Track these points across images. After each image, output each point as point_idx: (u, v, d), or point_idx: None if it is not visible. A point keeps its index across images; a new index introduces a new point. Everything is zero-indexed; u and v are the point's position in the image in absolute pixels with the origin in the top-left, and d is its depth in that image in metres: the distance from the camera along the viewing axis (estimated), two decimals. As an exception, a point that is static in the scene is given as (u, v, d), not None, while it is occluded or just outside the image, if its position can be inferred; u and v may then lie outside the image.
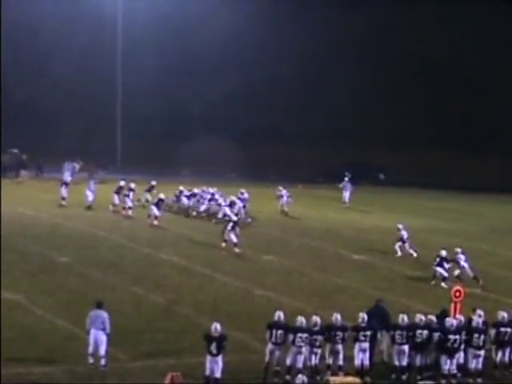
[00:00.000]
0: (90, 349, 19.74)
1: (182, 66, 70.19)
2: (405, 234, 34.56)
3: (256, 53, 69.80)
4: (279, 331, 19.66)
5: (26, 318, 23.29)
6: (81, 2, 64.78)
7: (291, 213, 43.04)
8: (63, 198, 42.35)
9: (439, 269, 29.82)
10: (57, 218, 39.32)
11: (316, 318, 20.05)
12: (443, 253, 30.11)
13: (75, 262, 30.25)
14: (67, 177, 45.30)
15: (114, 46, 63.25)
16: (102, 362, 19.59)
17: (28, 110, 67.20)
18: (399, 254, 34.12)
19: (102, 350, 19.67)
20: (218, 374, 18.82)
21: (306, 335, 19.72)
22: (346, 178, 48.13)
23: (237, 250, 33.18)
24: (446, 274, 29.64)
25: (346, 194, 47.98)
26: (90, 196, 42.36)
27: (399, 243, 34.43)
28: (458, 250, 30.50)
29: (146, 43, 68.10)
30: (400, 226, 34.91)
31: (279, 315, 19.95)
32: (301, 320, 19.89)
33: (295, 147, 66.23)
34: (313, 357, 19.91)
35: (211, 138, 62.53)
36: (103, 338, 19.71)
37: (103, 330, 19.74)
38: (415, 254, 33.95)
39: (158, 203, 39.02)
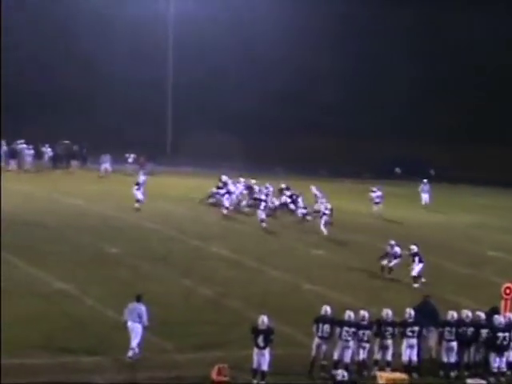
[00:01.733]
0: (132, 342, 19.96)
1: (231, 58, 70.27)
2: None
3: (304, 46, 69.59)
4: (326, 325, 19.66)
5: (76, 308, 23.57)
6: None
7: (342, 208, 42.57)
8: (138, 201, 39.65)
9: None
10: (108, 209, 39.62)
11: (364, 312, 19.99)
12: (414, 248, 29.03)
13: (125, 253, 30.50)
14: (140, 176, 42.50)
15: (165, 34, 63.66)
16: (130, 353, 19.68)
17: (76, 99, 67.70)
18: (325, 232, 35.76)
19: (135, 342, 19.81)
20: (265, 367, 18.86)
21: (353, 329, 19.67)
22: (425, 180, 46.61)
23: (264, 225, 36.47)
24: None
25: (425, 197, 46.28)
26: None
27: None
28: (393, 242, 29.62)
29: (197, 31, 68.29)
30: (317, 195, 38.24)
31: (326, 309, 19.94)
32: (348, 314, 19.85)
33: (343, 141, 65.84)
34: (360, 351, 19.86)
35: (259, 130, 62.60)
36: (139, 330, 19.86)
37: (139, 322, 19.91)
38: (325, 232, 35.52)
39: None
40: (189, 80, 65.91)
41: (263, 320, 18.97)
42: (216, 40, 68.14)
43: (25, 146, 52.46)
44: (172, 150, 63.77)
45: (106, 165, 51.69)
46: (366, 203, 43.79)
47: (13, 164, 51.29)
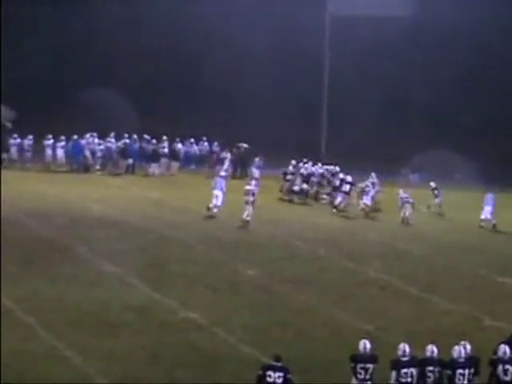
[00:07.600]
0: None
1: (399, 50, 70.20)
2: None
3: (488, 35, 68.69)
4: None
5: (205, 341, 23.97)
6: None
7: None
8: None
9: None
10: (253, 222, 39.45)
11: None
12: None
13: (264, 275, 30.83)
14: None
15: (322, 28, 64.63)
16: None
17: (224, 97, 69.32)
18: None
19: None
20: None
21: None
22: None
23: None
24: None
25: None
26: None
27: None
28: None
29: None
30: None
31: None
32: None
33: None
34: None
35: (436, 128, 61.92)
36: None
37: None
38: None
39: None
40: (349, 71, 66.45)
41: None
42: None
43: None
44: (327, 153, 64.17)
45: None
46: None
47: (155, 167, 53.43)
